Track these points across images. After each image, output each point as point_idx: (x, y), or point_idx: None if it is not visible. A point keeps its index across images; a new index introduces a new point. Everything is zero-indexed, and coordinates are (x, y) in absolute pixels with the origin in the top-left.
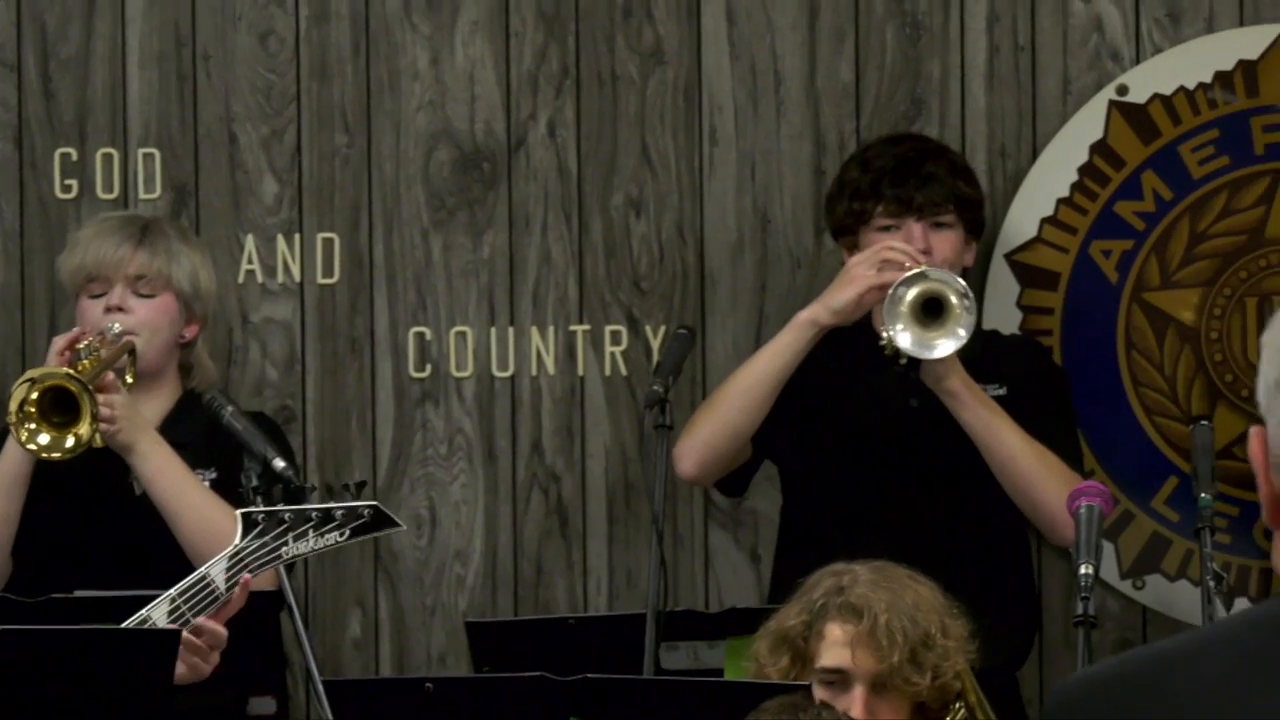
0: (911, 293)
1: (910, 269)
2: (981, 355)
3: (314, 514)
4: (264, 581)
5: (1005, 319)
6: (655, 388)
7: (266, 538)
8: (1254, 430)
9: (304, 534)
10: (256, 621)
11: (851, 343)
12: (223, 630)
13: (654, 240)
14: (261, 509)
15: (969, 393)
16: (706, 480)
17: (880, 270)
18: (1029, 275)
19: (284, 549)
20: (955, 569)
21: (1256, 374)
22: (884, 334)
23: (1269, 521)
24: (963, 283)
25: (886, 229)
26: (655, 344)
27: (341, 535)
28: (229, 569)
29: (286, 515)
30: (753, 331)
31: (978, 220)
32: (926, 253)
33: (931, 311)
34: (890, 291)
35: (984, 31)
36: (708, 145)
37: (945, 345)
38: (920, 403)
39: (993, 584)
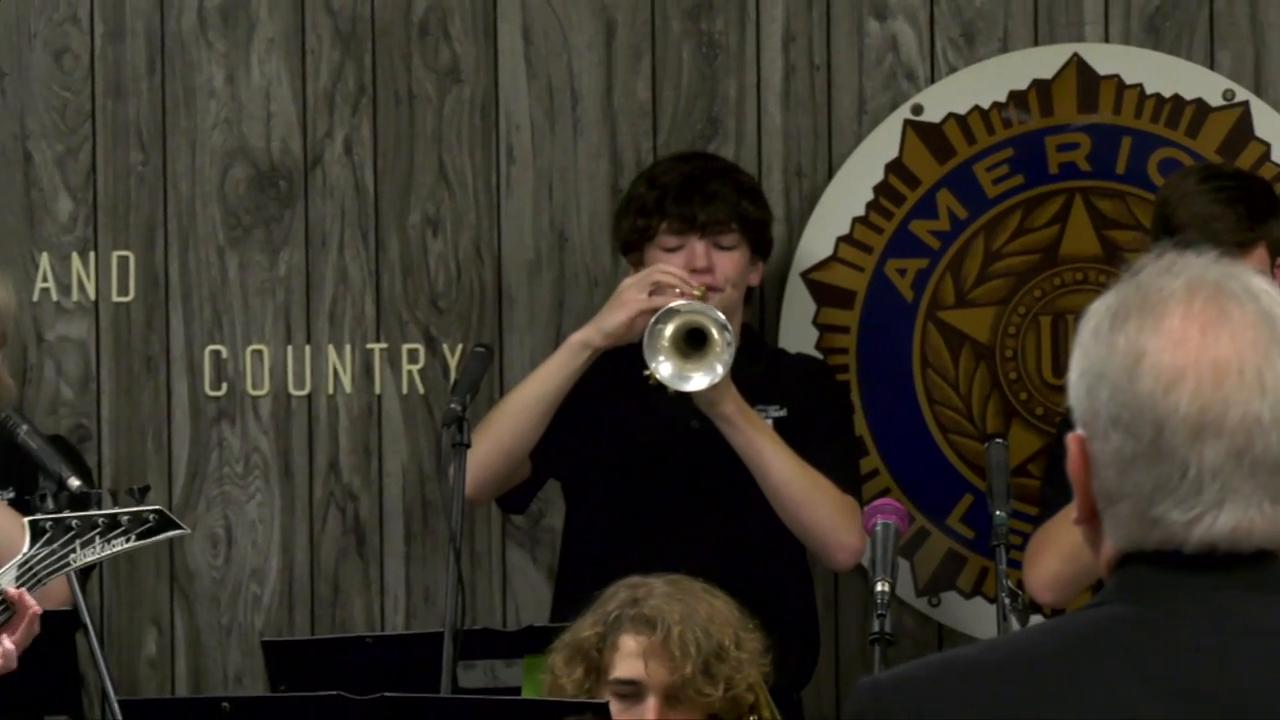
0: (670, 328)
1: (675, 303)
2: (764, 375)
3: (100, 520)
4: (59, 600)
5: (801, 338)
6: (453, 406)
7: (54, 545)
8: (1073, 438)
9: (91, 540)
10: (51, 640)
11: (634, 363)
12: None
13: (451, 258)
14: (48, 516)
15: (742, 418)
16: (483, 498)
17: (652, 294)
18: (825, 294)
19: (72, 556)
20: (734, 589)
21: (1069, 390)
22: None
23: (1081, 522)
24: (721, 316)
25: (671, 249)
26: (453, 362)
27: (128, 540)
28: (19, 578)
29: (73, 522)
30: (550, 350)
31: (764, 240)
32: (708, 271)
33: (695, 342)
34: (649, 325)
35: (780, 51)
36: (505, 164)
37: (700, 380)
38: (700, 424)
39: (773, 605)
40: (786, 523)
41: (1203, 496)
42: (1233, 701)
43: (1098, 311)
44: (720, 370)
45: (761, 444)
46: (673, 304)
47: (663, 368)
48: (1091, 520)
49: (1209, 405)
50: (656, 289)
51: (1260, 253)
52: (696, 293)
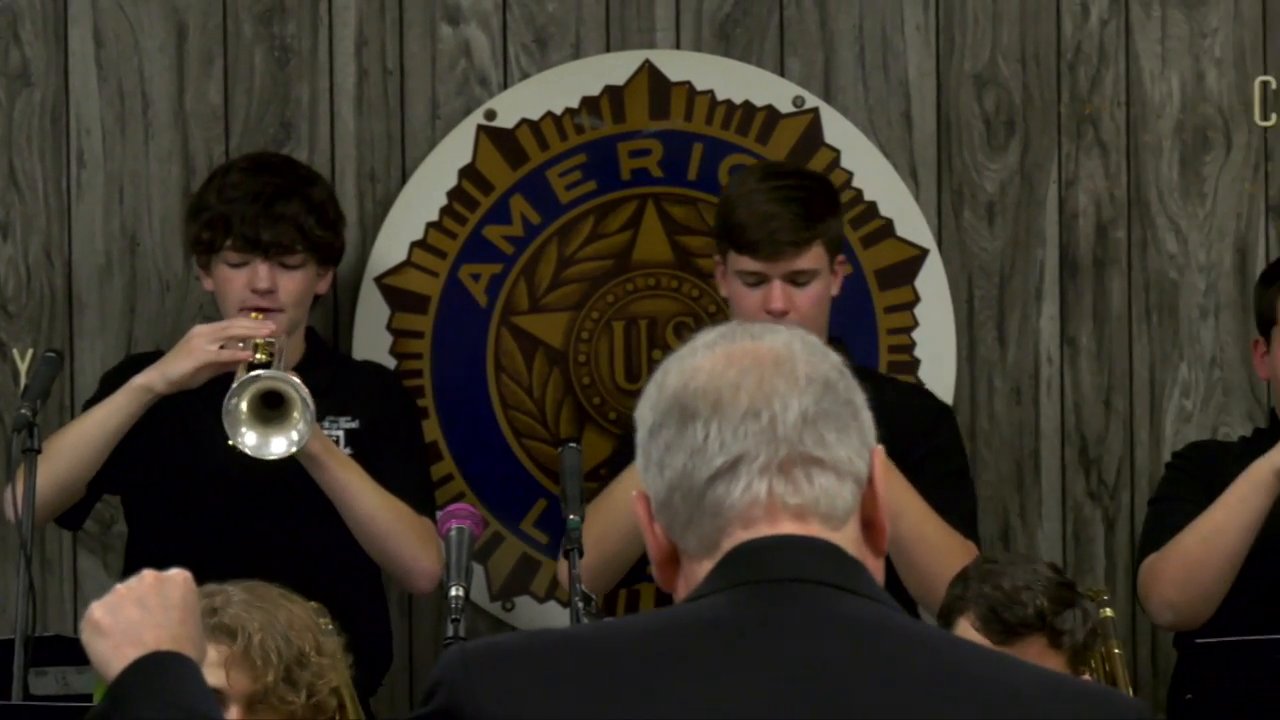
0: (245, 401)
1: (254, 373)
2: (332, 385)
3: None
4: None
5: (375, 343)
6: (23, 411)
7: None
8: (636, 495)
9: None
10: None
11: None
12: None
13: (21, 263)
14: None
15: (327, 455)
16: (39, 523)
17: (222, 348)
18: (399, 299)
19: None
20: (305, 598)
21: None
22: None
23: (663, 583)
24: (298, 383)
25: (235, 265)
26: (23, 367)
27: None
28: None
29: None
30: (121, 354)
31: (333, 253)
32: (271, 292)
33: (273, 403)
34: (225, 402)
35: (353, 56)
36: (75, 167)
37: (279, 444)
38: None
39: (343, 613)
40: (368, 551)
41: (725, 451)
42: (824, 700)
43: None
44: (297, 437)
45: (347, 480)
46: (252, 374)
47: (246, 439)
48: (669, 559)
49: (723, 379)
50: (227, 342)
51: (818, 250)
52: (259, 344)
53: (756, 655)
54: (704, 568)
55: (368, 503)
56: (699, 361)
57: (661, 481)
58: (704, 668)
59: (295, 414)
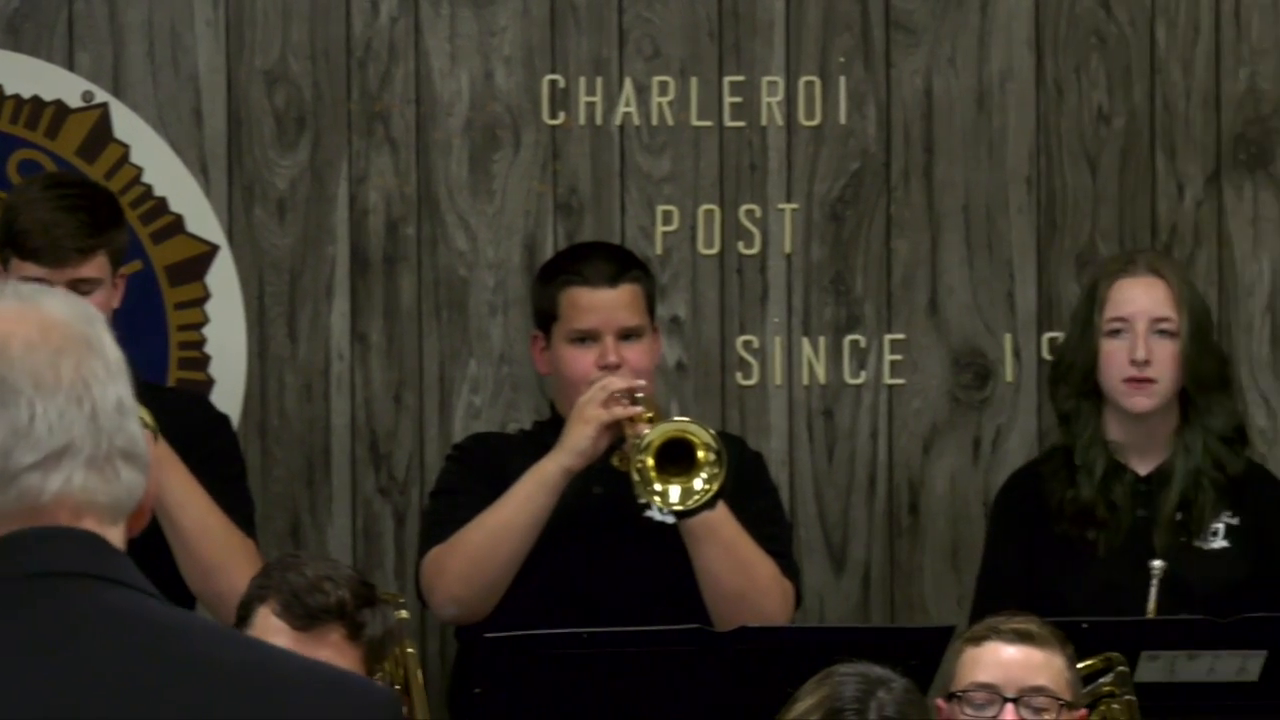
0: None
1: None
2: None
3: None
4: None
5: None
6: None
7: None
8: None
9: None
10: None
11: None
12: None
13: None
14: None
15: None
16: None
17: None
18: None
19: None
20: None
21: None
22: None
23: None
24: None
25: None
26: None
27: None
28: None
29: None
30: None
31: None
32: None
33: None
34: None
35: None
36: None
37: None
38: None
39: None
40: None
41: (53, 438)
42: (78, 693)
43: None
44: None
45: None
46: None
47: None
48: None
49: (39, 354)
50: None
51: (101, 260)
52: None
53: (13, 653)
54: None
55: None
56: (4, 326)
57: None
58: None
59: None
